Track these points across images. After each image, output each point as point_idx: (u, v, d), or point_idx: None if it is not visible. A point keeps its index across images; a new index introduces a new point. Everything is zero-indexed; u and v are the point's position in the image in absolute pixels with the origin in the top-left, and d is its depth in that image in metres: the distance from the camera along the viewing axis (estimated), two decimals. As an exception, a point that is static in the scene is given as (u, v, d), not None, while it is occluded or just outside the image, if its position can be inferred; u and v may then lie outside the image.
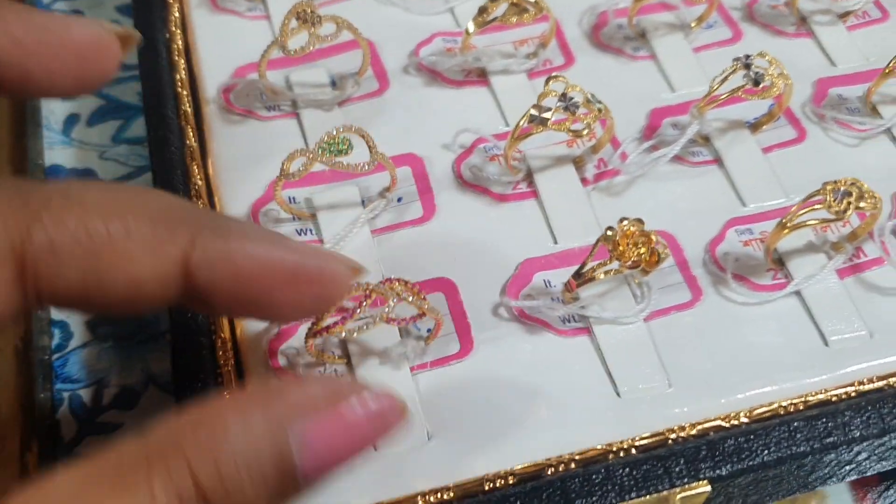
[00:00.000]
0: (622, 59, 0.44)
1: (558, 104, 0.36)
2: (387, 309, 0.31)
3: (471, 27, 0.40)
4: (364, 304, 0.31)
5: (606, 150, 0.40)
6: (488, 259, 0.37)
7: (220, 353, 0.35)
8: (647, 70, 0.43)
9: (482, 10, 0.40)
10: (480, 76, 0.43)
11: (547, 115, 0.36)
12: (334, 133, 0.34)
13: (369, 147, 0.35)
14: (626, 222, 0.33)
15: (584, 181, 0.39)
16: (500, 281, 0.36)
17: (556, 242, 0.37)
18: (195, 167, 0.39)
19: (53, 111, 0.48)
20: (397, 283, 0.32)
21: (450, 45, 0.44)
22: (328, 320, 0.31)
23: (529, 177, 0.39)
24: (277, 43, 0.39)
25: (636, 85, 0.43)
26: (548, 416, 0.33)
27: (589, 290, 0.35)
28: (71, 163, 0.46)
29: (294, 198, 0.38)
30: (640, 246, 0.33)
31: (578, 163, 0.39)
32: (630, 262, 0.33)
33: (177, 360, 0.35)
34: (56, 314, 0.41)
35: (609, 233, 0.33)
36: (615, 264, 0.33)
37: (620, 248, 0.33)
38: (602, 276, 0.33)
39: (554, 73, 0.37)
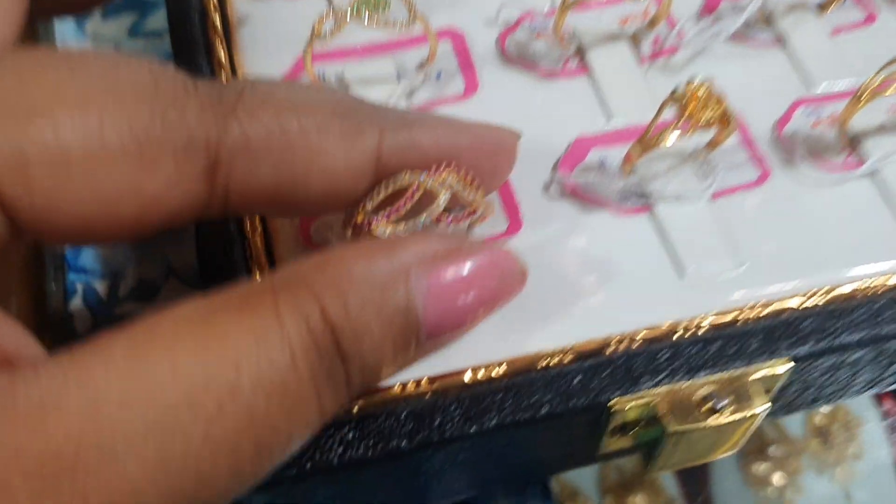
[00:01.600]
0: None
1: (615, -31, 0.33)
2: (437, 206, 0.27)
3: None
4: (414, 198, 0.27)
5: (661, 30, 0.36)
6: (537, 137, 0.34)
7: (251, 239, 0.32)
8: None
9: None
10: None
11: (604, -28, 0.33)
12: (370, -10, 0.31)
13: (408, 6, 0.32)
14: (695, 82, 0.30)
15: (640, 59, 0.36)
16: (550, 160, 0.33)
17: (609, 120, 0.34)
18: (219, 43, 0.36)
19: None
20: (450, 174, 0.27)
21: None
22: (368, 208, 0.26)
23: (580, 53, 0.36)
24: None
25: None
26: (606, 296, 0.30)
27: (649, 167, 0.32)
28: (84, 56, 0.43)
29: (325, 74, 0.35)
30: (711, 108, 0.29)
31: (633, 40, 0.36)
32: (701, 124, 0.29)
33: (201, 248, 0.32)
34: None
35: (677, 92, 0.30)
36: (683, 128, 0.30)
37: (690, 109, 0.29)
38: (668, 141, 0.30)
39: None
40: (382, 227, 0.26)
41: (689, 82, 0.30)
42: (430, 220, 0.27)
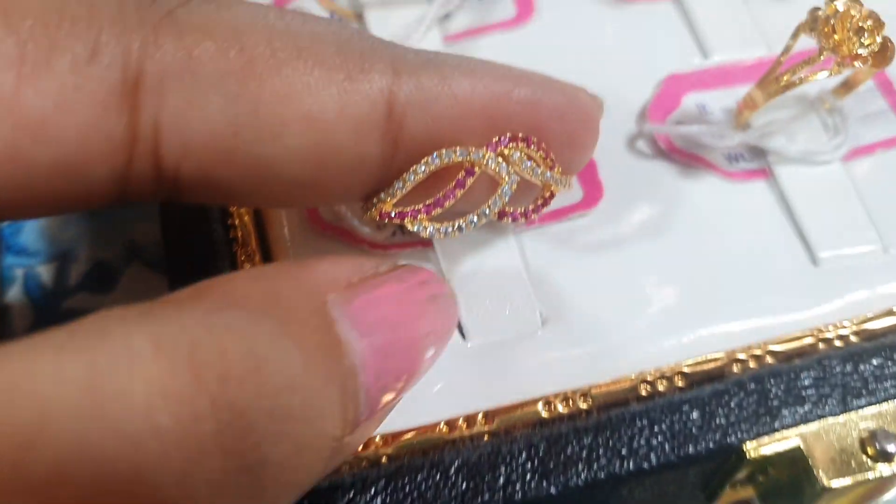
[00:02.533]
0: None
1: None
2: (501, 196, 0.19)
3: None
4: (465, 185, 0.18)
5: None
6: (614, 76, 0.25)
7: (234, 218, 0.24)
8: None
9: None
10: None
11: None
12: None
13: None
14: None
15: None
16: (633, 106, 0.25)
17: (705, 57, 0.26)
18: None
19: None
20: (518, 149, 0.19)
21: None
22: (397, 195, 0.18)
23: (663, -30, 0.27)
24: None
25: None
26: (715, 290, 0.22)
27: (765, 118, 0.24)
28: None
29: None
30: (869, 35, 0.21)
31: (728, -46, 0.28)
32: (854, 55, 0.21)
33: (168, 223, 0.24)
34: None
35: (819, 13, 0.22)
36: (826, 65, 0.22)
37: (839, 36, 0.21)
38: (806, 78, 0.22)
39: None
40: (421, 223, 0.18)
41: (813, 10, 0.22)
42: (489, 214, 0.19)
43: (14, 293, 0.28)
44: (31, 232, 0.29)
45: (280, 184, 0.17)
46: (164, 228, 0.24)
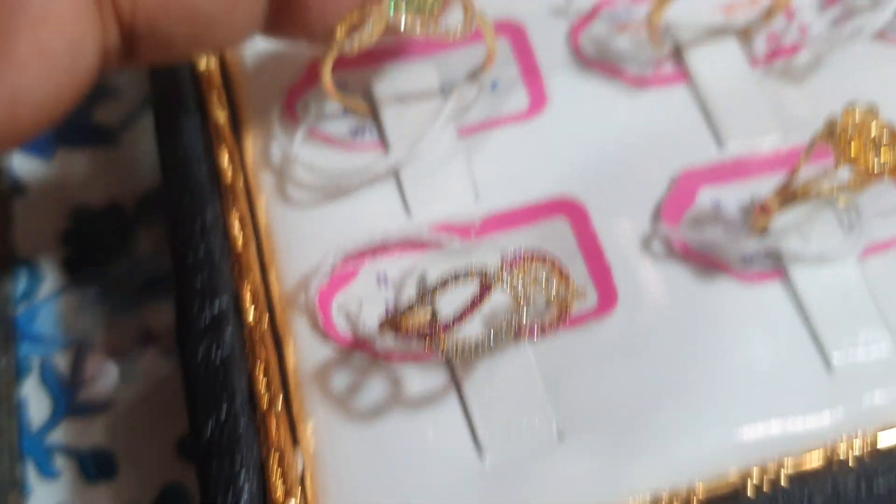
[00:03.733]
0: None
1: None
2: (518, 315, 0.20)
3: None
4: (482, 301, 0.19)
5: (778, 22, 0.28)
6: (628, 168, 0.25)
7: (250, 302, 0.24)
8: None
9: None
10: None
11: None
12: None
13: (463, 3, 0.23)
14: (858, 110, 0.22)
15: (752, 61, 0.27)
16: (646, 201, 0.25)
17: (721, 145, 0.26)
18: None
19: None
20: (534, 264, 0.20)
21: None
22: (420, 312, 0.19)
23: (677, 53, 0.27)
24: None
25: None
26: (729, 399, 0.22)
27: (779, 219, 0.24)
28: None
29: (346, 83, 0.27)
30: (886, 151, 0.21)
31: (743, 36, 0.28)
32: (870, 171, 0.21)
33: (182, 310, 0.24)
34: (22, 251, 0.30)
35: (837, 123, 0.22)
36: (843, 173, 0.22)
37: (854, 151, 0.21)
38: (824, 192, 0.22)
39: None
40: (440, 343, 0.19)
41: (847, 110, 0.22)
42: (506, 335, 0.19)
43: (31, 383, 0.28)
44: (45, 319, 0.29)
45: (203, 22, 0.21)
46: (178, 313, 0.24)
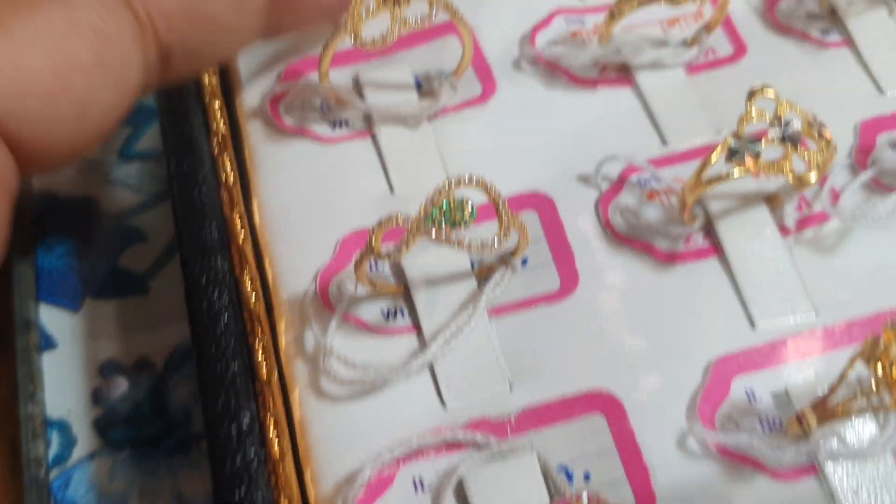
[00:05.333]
0: (807, 46, 0.32)
1: (771, 134, 0.24)
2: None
3: (622, 9, 0.28)
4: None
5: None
6: (661, 355, 0.25)
7: (276, 476, 0.24)
8: (843, 61, 0.31)
9: (637, -16, 0.28)
10: (620, 71, 0.31)
11: (757, 147, 0.24)
12: (446, 188, 0.23)
13: (496, 206, 0.24)
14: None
15: (781, 229, 0.27)
16: (681, 392, 0.25)
17: (754, 326, 0.26)
18: (236, 216, 0.27)
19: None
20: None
21: (575, 26, 0.32)
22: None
23: (707, 224, 0.27)
24: (346, 30, 0.27)
25: (831, 84, 0.31)
26: None
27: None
28: (67, 188, 0.35)
29: (377, 266, 0.27)
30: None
31: (773, 203, 0.28)
32: (910, 392, 0.21)
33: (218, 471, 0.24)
34: (53, 411, 0.30)
35: (874, 346, 0.21)
36: (883, 398, 0.22)
37: (888, 373, 0.21)
38: (857, 413, 0.22)
39: (760, 87, 0.25)
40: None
41: (887, 329, 0.22)
42: None
43: (65, 556, 0.28)
44: (79, 484, 0.29)
45: (221, 30, 0.26)
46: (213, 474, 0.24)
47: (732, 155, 0.24)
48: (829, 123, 0.27)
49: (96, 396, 0.31)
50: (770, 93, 0.25)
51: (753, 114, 0.25)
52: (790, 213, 0.28)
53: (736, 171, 0.25)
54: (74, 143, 0.24)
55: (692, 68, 0.31)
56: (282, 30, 0.29)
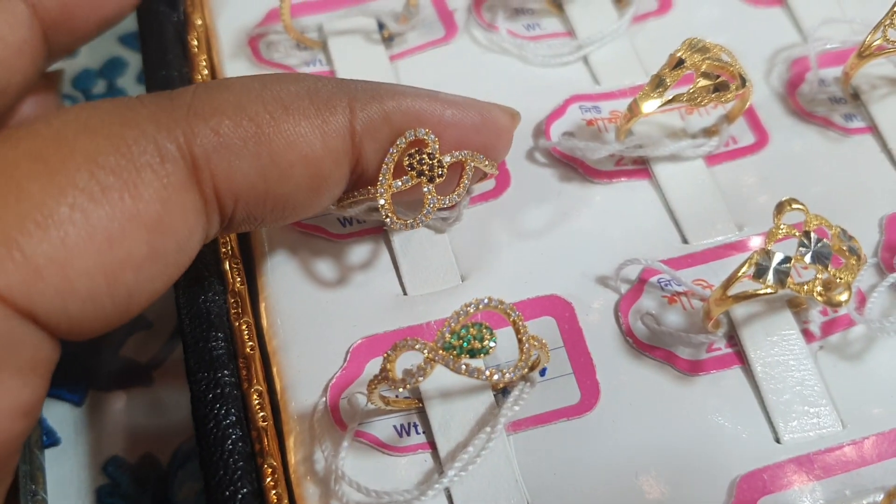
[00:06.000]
0: (831, 133, 0.31)
1: (800, 250, 0.24)
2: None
3: (644, 107, 0.27)
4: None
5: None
6: (684, 472, 0.25)
7: None
8: (867, 150, 0.31)
9: (658, 83, 0.27)
10: (637, 162, 0.30)
11: (784, 266, 0.23)
12: (465, 313, 0.22)
13: (517, 331, 0.23)
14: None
15: (806, 333, 0.26)
16: (709, 487, 0.24)
17: (778, 441, 0.25)
18: (242, 325, 0.27)
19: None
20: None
21: (590, 114, 0.31)
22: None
23: (730, 330, 0.27)
24: (374, 195, 0.25)
25: (855, 174, 0.30)
26: None
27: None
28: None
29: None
30: None
31: (796, 306, 0.27)
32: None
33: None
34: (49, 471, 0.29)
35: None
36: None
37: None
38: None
39: (787, 200, 0.24)
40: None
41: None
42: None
43: None
44: None
45: (292, 208, 0.24)
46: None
47: (761, 274, 0.23)
48: (852, 217, 0.26)
49: (100, 496, 0.30)
50: (798, 206, 0.24)
51: (781, 228, 0.24)
52: (815, 318, 0.27)
53: (764, 290, 0.24)
54: (115, 323, 0.22)
55: (712, 159, 0.30)
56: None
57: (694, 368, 0.26)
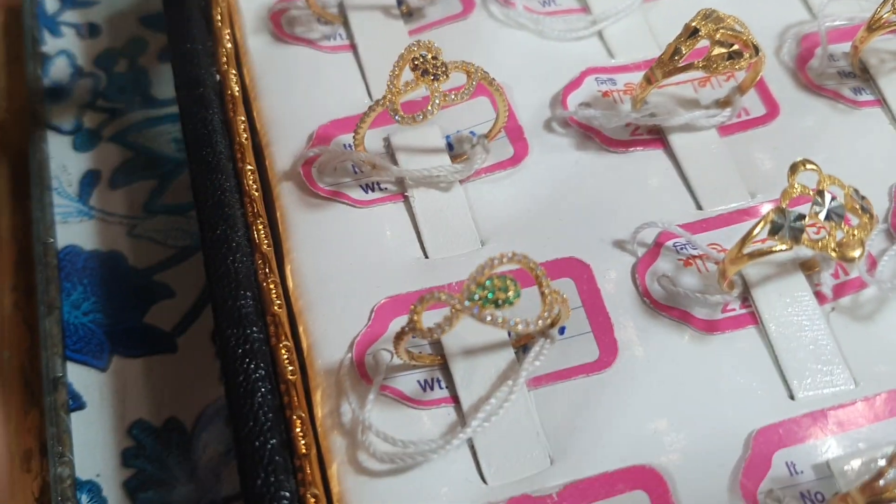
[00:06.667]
0: (840, 105, 0.31)
1: (814, 208, 0.24)
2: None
3: (657, 75, 0.28)
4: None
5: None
6: (702, 427, 0.25)
7: None
8: (876, 121, 0.31)
9: (674, 52, 0.28)
10: (652, 132, 0.31)
11: (799, 224, 0.24)
12: (489, 266, 0.23)
13: (539, 284, 0.23)
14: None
15: (818, 296, 0.27)
16: (722, 466, 0.25)
17: (793, 397, 0.26)
18: (271, 285, 0.27)
19: (66, 167, 0.36)
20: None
21: (606, 86, 0.32)
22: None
23: (745, 291, 0.27)
24: (385, 103, 0.27)
25: (864, 145, 0.31)
26: None
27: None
28: (91, 242, 0.35)
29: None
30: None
31: (810, 268, 0.28)
32: None
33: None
34: (82, 473, 0.30)
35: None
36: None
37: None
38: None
39: (801, 161, 0.25)
40: None
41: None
42: None
43: None
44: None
45: None
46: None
47: (776, 231, 0.24)
48: (863, 186, 0.27)
49: (126, 458, 0.30)
50: (811, 166, 0.25)
51: (796, 188, 0.24)
52: (827, 281, 0.27)
53: (779, 247, 0.24)
54: None
55: (725, 129, 0.31)
56: None
57: (710, 328, 0.27)
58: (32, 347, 0.33)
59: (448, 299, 0.23)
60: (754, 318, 0.27)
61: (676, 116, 0.30)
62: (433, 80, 0.26)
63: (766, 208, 0.29)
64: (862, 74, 0.32)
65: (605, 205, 0.29)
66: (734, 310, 0.27)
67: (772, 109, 0.31)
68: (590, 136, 0.31)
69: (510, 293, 0.22)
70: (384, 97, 0.27)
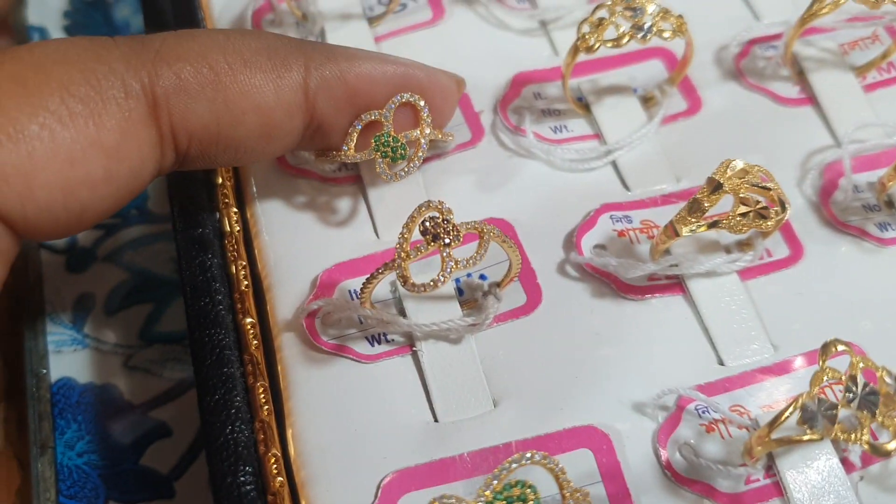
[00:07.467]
0: (866, 244, 0.30)
1: (847, 395, 0.23)
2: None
3: (679, 230, 0.26)
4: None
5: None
6: None
7: None
8: None
9: (696, 207, 0.27)
10: (670, 277, 0.29)
11: (831, 413, 0.23)
12: (507, 469, 0.21)
13: (560, 486, 0.22)
14: None
15: (845, 463, 0.26)
16: None
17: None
18: (270, 458, 0.26)
19: (59, 289, 0.35)
20: None
21: (620, 225, 0.31)
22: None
23: (769, 459, 0.26)
24: (394, 268, 0.26)
25: (892, 289, 0.30)
26: None
27: None
28: (86, 375, 0.33)
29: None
30: None
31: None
32: None
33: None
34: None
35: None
36: None
37: None
38: None
39: (832, 342, 0.24)
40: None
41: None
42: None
43: None
44: None
45: (244, 151, 0.27)
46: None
47: (807, 420, 0.23)
48: (891, 328, 0.26)
49: None
50: (842, 347, 0.24)
51: (827, 373, 0.23)
52: (854, 448, 0.26)
53: (809, 437, 0.23)
54: (66, 233, 0.25)
55: (746, 273, 0.29)
56: (310, 148, 0.30)
57: (734, 503, 0.26)
58: (24, 488, 0.31)
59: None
60: (779, 489, 0.26)
61: (697, 265, 0.29)
62: (445, 245, 0.25)
63: (796, 364, 0.28)
64: (886, 208, 0.31)
65: (623, 360, 0.28)
66: (758, 480, 0.26)
67: (795, 251, 0.30)
68: (606, 281, 0.29)
69: (530, 498, 0.21)
70: (394, 261, 0.25)
